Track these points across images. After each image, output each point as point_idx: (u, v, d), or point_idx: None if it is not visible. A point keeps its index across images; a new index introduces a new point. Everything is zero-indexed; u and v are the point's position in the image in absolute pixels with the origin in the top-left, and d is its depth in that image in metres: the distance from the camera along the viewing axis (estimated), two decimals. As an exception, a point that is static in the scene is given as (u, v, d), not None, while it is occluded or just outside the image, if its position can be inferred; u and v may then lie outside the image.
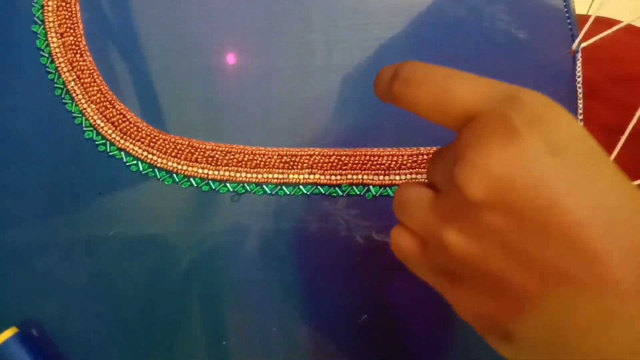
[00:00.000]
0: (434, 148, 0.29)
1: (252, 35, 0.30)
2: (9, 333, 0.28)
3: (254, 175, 0.29)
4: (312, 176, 0.29)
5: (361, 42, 0.30)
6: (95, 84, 0.30)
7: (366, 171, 0.29)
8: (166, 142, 0.29)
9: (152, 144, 0.29)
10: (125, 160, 0.29)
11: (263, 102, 0.30)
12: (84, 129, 0.30)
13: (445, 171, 0.17)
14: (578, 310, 0.14)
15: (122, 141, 0.29)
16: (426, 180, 0.22)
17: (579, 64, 0.29)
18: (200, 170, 0.29)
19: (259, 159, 0.29)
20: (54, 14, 0.30)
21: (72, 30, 0.30)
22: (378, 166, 0.29)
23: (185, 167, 0.29)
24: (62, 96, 0.30)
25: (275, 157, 0.29)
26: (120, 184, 0.29)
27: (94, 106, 0.30)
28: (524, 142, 0.14)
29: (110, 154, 0.29)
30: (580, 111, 0.29)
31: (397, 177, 0.29)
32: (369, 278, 0.29)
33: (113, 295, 0.29)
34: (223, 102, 0.30)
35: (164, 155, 0.29)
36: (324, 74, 0.30)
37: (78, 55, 0.30)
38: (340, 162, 0.29)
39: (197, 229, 0.29)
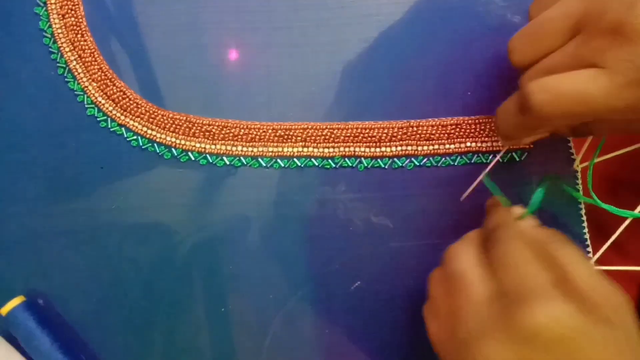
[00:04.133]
0: (423, 120, 0.30)
1: (246, 14, 0.31)
2: (17, 301, 0.29)
3: (250, 148, 0.30)
4: (305, 149, 0.30)
5: (350, 19, 0.31)
6: (96, 63, 0.31)
7: (358, 143, 0.30)
8: (164, 117, 0.31)
9: (151, 119, 0.31)
10: (125, 135, 0.31)
11: (257, 78, 0.31)
12: (86, 106, 0.31)
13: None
14: None
15: (122, 117, 0.31)
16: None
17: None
18: (197, 145, 0.30)
19: (254, 133, 0.30)
20: (56, -4, 0.31)
21: (73, 12, 0.31)
22: (369, 138, 0.30)
23: (183, 142, 0.30)
24: (65, 75, 0.31)
25: (270, 131, 0.31)
26: (120, 158, 0.31)
27: (95, 84, 0.31)
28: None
29: (111, 129, 0.31)
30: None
31: (388, 149, 0.30)
32: (367, 260, 0.30)
33: (116, 270, 0.31)
34: (219, 79, 0.31)
35: (162, 131, 0.30)
36: (314, 50, 0.31)
37: (79, 36, 0.31)
38: (332, 135, 0.30)
39: (198, 203, 0.31)
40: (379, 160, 0.30)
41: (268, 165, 0.30)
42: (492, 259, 0.22)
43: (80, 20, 0.31)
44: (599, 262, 0.29)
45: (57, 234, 0.31)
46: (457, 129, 0.30)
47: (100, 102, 0.31)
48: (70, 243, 0.31)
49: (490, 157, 0.30)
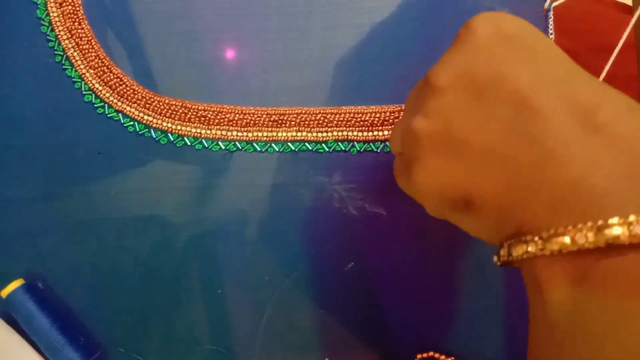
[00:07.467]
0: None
1: (239, 0, 0.32)
2: (16, 283, 0.30)
3: (245, 133, 0.31)
4: (299, 133, 0.31)
5: (342, 4, 0.32)
6: (93, 50, 0.31)
7: (351, 128, 0.31)
8: (161, 103, 0.31)
9: (147, 105, 0.31)
10: (122, 121, 0.31)
11: (251, 64, 0.31)
12: (84, 92, 0.31)
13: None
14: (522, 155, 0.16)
15: (119, 103, 0.31)
16: None
17: (550, 22, 0.31)
18: (193, 130, 0.31)
19: (249, 118, 0.31)
20: (53, -15, 0.31)
21: (70, 0, 0.31)
22: (362, 123, 0.31)
23: (179, 127, 0.31)
24: (62, 62, 0.31)
25: (264, 116, 0.31)
26: (118, 143, 0.31)
27: (92, 71, 0.31)
28: (478, 35, 0.18)
29: (108, 115, 0.31)
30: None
31: (380, 133, 0.31)
32: (361, 247, 0.31)
33: (111, 251, 0.31)
34: (214, 65, 0.31)
35: (158, 116, 0.31)
36: (307, 35, 0.31)
37: (76, 24, 0.31)
38: (325, 120, 0.31)
39: (194, 187, 0.31)
40: (371, 144, 0.31)
41: (262, 150, 0.31)
42: None
43: (78, 8, 0.31)
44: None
45: (56, 219, 0.31)
46: (448, 113, 0.31)
47: (97, 88, 0.31)
48: (68, 228, 0.31)
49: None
